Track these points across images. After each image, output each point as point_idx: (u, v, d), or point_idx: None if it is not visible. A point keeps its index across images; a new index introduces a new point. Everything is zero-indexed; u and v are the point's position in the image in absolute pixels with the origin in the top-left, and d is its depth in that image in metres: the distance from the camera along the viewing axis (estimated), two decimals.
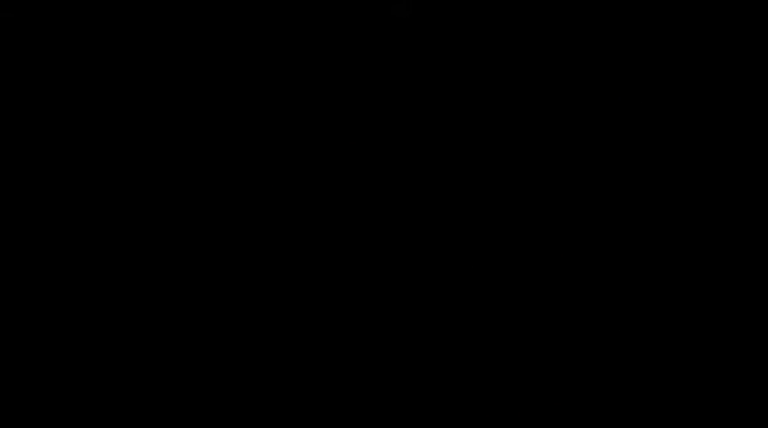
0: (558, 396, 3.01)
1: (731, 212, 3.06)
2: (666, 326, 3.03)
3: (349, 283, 2.99)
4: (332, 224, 3.00)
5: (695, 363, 3.00)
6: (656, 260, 3.06)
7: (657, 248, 3.06)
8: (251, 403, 3.03)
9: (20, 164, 3.10)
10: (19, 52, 3.12)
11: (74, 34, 3.13)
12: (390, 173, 2.96)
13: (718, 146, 3.08)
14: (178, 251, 3.08)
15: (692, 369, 3.00)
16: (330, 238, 3.01)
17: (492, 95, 3.12)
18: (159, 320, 3.06)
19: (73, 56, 3.13)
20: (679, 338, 3.02)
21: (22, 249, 3.08)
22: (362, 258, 2.95)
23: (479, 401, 3.02)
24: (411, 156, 2.97)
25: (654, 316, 3.04)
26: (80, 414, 3.00)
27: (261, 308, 3.06)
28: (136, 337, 3.04)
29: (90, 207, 3.09)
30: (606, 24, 3.11)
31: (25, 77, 3.13)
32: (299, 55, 3.12)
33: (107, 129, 3.12)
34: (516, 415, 3.00)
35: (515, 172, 3.10)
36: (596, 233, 3.07)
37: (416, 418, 3.01)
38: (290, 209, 3.06)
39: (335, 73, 3.10)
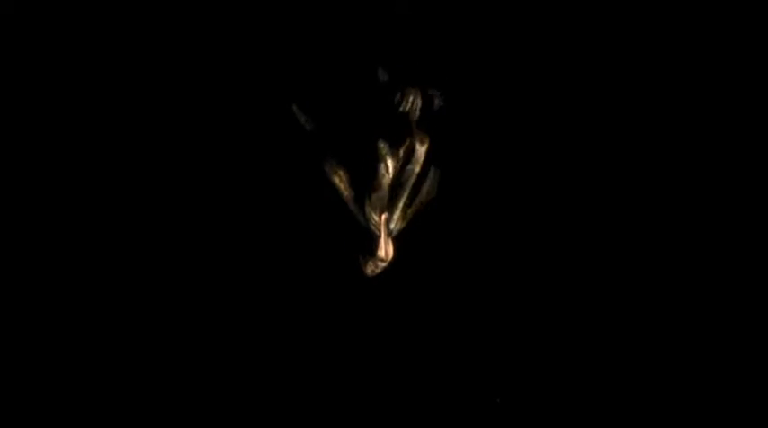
0: (558, 396, 3.02)
1: (731, 212, 3.06)
2: (666, 326, 3.04)
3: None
4: (330, 224, 2.99)
5: (695, 363, 3.01)
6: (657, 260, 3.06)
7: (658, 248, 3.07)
8: (251, 403, 3.04)
9: (20, 161, 3.10)
10: (19, 48, 3.11)
11: (74, 30, 3.12)
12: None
13: (719, 146, 3.08)
14: (178, 251, 3.09)
15: (692, 369, 3.01)
16: (328, 239, 3.02)
17: (494, 93, 3.10)
18: (159, 320, 3.07)
19: (73, 52, 3.12)
20: (679, 338, 3.03)
21: (22, 249, 3.08)
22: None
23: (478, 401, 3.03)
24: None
25: (654, 316, 3.05)
26: (80, 414, 3.02)
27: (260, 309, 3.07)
28: (136, 337, 3.05)
29: (90, 207, 3.09)
30: (608, 24, 3.09)
31: (25, 74, 3.11)
32: (299, 52, 3.11)
33: (108, 127, 3.11)
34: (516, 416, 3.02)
35: (517, 171, 3.09)
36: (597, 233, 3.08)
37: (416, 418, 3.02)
38: (287, 209, 3.06)
39: (337, 70, 3.08)
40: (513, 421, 3.01)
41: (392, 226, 2.86)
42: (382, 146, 2.84)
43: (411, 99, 2.89)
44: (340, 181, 2.87)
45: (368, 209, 2.84)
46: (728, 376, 2.99)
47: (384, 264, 2.86)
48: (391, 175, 2.85)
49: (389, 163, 2.85)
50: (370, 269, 2.87)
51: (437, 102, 2.95)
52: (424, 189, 2.91)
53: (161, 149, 3.09)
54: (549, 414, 3.00)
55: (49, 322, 3.04)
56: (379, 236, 2.84)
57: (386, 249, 2.84)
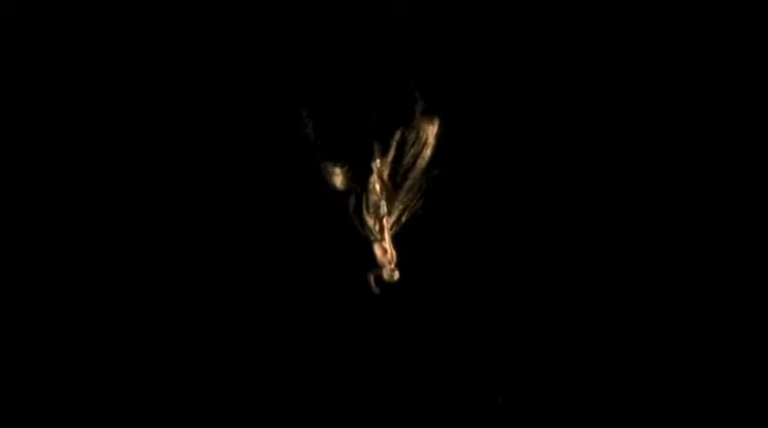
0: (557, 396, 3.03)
1: (731, 212, 3.06)
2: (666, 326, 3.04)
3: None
4: (329, 224, 2.99)
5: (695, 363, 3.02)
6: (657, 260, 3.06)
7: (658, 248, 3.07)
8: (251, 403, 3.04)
9: (20, 161, 3.10)
10: (19, 48, 3.11)
11: (75, 30, 3.11)
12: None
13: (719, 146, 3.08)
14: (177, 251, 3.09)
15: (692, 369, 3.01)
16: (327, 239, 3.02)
17: (494, 93, 3.10)
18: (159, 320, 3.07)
19: (73, 52, 3.12)
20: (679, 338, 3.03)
21: (22, 249, 3.08)
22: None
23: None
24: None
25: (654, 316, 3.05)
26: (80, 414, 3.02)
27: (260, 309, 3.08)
28: (136, 337, 3.06)
29: (90, 206, 3.09)
30: (609, 24, 3.09)
31: (25, 74, 3.11)
32: (300, 52, 3.11)
33: (108, 127, 3.11)
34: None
35: (516, 170, 3.09)
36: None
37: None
38: (287, 209, 3.06)
39: (337, 70, 3.08)
40: (513, 421, 3.01)
41: (389, 228, 2.84)
42: (378, 148, 2.84)
43: (409, 104, 2.88)
44: (336, 185, 2.86)
45: (364, 212, 2.83)
46: (728, 376, 2.99)
47: (392, 266, 2.84)
48: (386, 178, 2.84)
49: (386, 164, 2.84)
50: (387, 275, 2.84)
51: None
52: (423, 190, 2.90)
53: (159, 151, 3.09)
54: (549, 414, 3.01)
55: (48, 322, 3.05)
56: (375, 240, 2.83)
57: (390, 251, 2.83)
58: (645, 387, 3.00)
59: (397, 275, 2.84)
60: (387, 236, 2.83)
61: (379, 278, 2.86)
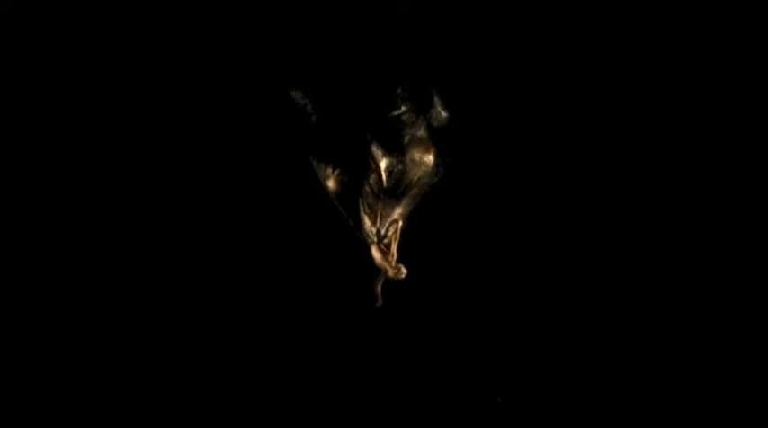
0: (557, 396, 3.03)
1: (731, 212, 3.06)
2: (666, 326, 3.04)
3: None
4: (329, 224, 2.99)
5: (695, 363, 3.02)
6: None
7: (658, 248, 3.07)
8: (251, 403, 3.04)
9: (20, 161, 3.10)
10: (19, 48, 3.11)
11: (75, 30, 3.11)
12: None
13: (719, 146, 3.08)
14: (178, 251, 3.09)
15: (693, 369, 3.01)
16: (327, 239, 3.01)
17: (496, 94, 3.10)
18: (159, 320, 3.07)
19: (73, 52, 3.12)
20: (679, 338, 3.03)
21: (22, 249, 3.08)
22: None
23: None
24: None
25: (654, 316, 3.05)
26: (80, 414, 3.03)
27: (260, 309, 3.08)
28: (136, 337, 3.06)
29: (90, 207, 3.09)
30: (608, 24, 3.09)
31: (25, 74, 3.11)
32: (298, 52, 3.11)
33: (108, 128, 3.11)
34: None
35: (519, 172, 3.09)
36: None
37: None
38: (287, 209, 3.06)
39: (337, 70, 3.08)
40: (513, 421, 3.01)
41: (384, 231, 2.82)
42: (376, 149, 2.82)
43: (409, 106, 2.86)
44: (331, 187, 2.85)
45: (362, 214, 2.81)
46: (728, 376, 2.99)
47: (394, 263, 2.81)
48: (385, 180, 2.82)
49: (385, 167, 2.83)
50: (393, 274, 2.81)
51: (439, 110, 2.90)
52: (423, 192, 2.89)
53: (155, 154, 3.09)
54: (549, 414, 3.01)
55: (48, 322, 3.05)
56: (372, 243, 2.81)
57: (392, 250, 2.81)
58: (645, 386, 3.00)
59: (404, 271, 2.79)
60: (393, 237, 2.81)
61: (383, 285, 2.83)
